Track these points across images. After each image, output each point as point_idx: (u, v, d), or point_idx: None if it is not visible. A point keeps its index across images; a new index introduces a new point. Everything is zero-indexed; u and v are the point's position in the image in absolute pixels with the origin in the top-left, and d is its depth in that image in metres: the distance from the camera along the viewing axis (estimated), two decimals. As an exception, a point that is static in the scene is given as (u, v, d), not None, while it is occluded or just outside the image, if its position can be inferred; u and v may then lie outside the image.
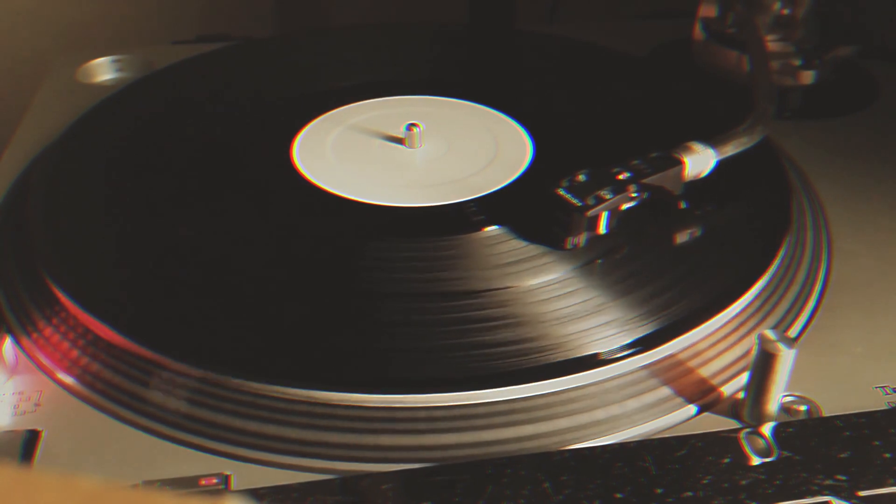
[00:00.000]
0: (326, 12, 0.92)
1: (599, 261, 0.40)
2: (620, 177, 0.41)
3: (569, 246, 0.40)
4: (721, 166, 0.44)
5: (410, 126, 0.49)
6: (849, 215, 0.48)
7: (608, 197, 0.40)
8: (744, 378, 0.36)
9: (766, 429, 0.33)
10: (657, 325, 0.37)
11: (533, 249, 0.40)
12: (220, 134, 0.51)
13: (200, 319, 0.38)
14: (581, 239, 0.40)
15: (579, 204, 0.40)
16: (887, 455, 0.32)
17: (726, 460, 0.32)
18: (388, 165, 0.48)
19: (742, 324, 0.39)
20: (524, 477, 0.31)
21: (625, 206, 0.41)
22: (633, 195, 0.41)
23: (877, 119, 0.58)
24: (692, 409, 0.36)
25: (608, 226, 0.41)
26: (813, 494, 0.31)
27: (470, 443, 0.34)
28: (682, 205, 0.43)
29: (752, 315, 0.40)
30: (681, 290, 0.39)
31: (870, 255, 0.45)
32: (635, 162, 0.42)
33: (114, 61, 0.66)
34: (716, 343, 0.38)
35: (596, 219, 0.40)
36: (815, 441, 0.33)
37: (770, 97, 0.50)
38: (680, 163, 0.43)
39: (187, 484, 0.32)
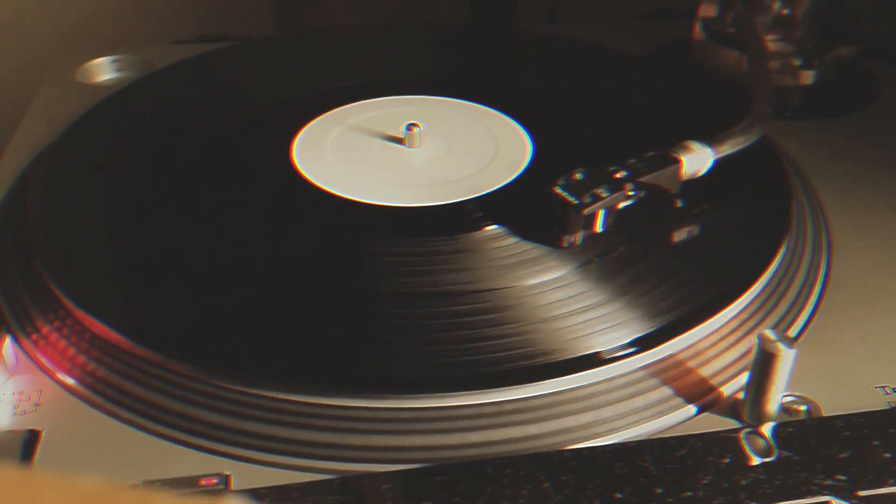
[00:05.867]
0: (326, 12, 0.92)
1: (597, 259, 0.40)
2: (617, 175, 0.41)
3: (565, 244, 0.40)
4: (722, 166, 0.44)
5: (410, 126, 0.49)
6: (849, 215, 0.48)
7: (605, 195, 0.40)
8: (744, 378, 0.36)
9: (766, 429, 0.33)
10: (657, 325, 0.37)
11: (532, 249, 0.40)
12: (220, 134, 0.51)
13: (200, 319, 0.38)
14: (578, 237, 0.40)
15: (576, 202, 0.40)
16: (887, 455, 0.32)
17: (726, 460, 0.32)
18: (388, 165, 0.48)
19: (742, 324, 0.39)
20: (524, 477, 0.31)
21: (622, 205, 0.41)
22: (630, 193, 0.41)
23: (877, 119, 0.58)
24: (692, 409, 0.36)
25: (605, 224, 0.41)
26: (813, 494, 0.31)
27: (470, 443, 0.34)
28: (679, 203, 0.43)
29: (752, 315, 0.40)
30: (681, 289, 0.39)
31: (870, 255, 0.45)
32: (632, 160, 0.42)
33: (114, 61, 0.66)
34: (716, 343, 0.38)
35: (592, 217, 0.40)
36: (815, 441, 0.33)
37: (768, 97, 0.50)
38: (677, 161, 0.43)
39: (187, 484, 0.32)
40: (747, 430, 0.33)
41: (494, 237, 0.41)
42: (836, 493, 0.31)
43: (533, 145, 0.50)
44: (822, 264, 0.44)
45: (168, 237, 0.43)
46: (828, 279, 0.43)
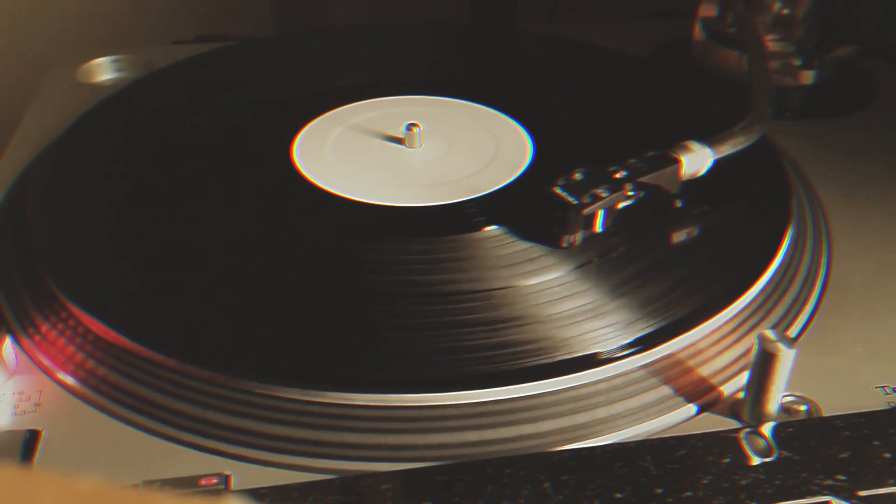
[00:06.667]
0: (326, 12, 0.92)
1: (595, 259, 0.40)
2: (617, 175, 0.41)
3: (565, 244, 0.40)
4: (722, 166, 0.44)
5: (410, 126, 0.49)
6: (849, 215, 0.48)
7: (604, 195, 0.40)
8: (744, 378, 0.36)
9: (766, 429, 0.33)
10: (657, 325, 0.37)
11: (532, 249, 0.40)
12: (220, 134, 0.51)
13: (200, 319, 0.38)
14: (577, 237, 0.40)
15: (575, 202, 0.40)
16: (887, 455, 0.32)
17: (726, 460, 0.32)
18: (388, 165, 0.48)
19: (742, 324, 0.39)
20: (524, 477, 0.31)
21: (621, 205, 0.41)
22: (630, 194, 0.41)
23: (877, 119, 0.58)
24: (692, 409, 0.36)
25: (604, 224, 0.41)
26: (813, 494, 0.31)
27: (470, 443, 0.34)
28: (678, 204, 0.43)
29: (752, 315, 0.40)
30: (681, 289, 0.39)
31: (870, 255, 0.45)
32: (632, 161, 0.42)
33: (114, 61, 0.66)
34: (716, 343, 0.38)
35: (592, 217, 0.40)
36: (815, 441, 0.33)
37: (768, 97, 0.50)
38: (676, 162, 0.43)
39: (187, 484, 0.32)
40: (747, 430, 0.33)
41: (494, 237, 0.41)
42: (836, 493, 0.31)
43: (533, 145, 0.50)
44: (822, 264, 0.44)
45: (168, 237, 0.43)
46: (828, 279, 0.43)
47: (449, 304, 0.38)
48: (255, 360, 0.36)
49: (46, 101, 0.60)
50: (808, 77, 0.60)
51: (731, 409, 0.36)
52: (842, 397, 0.36)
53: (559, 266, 0.40)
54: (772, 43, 0.60)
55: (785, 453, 0.32)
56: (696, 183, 0.44)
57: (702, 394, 0.36)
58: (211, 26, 0.75)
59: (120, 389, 0.36)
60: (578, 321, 0.37)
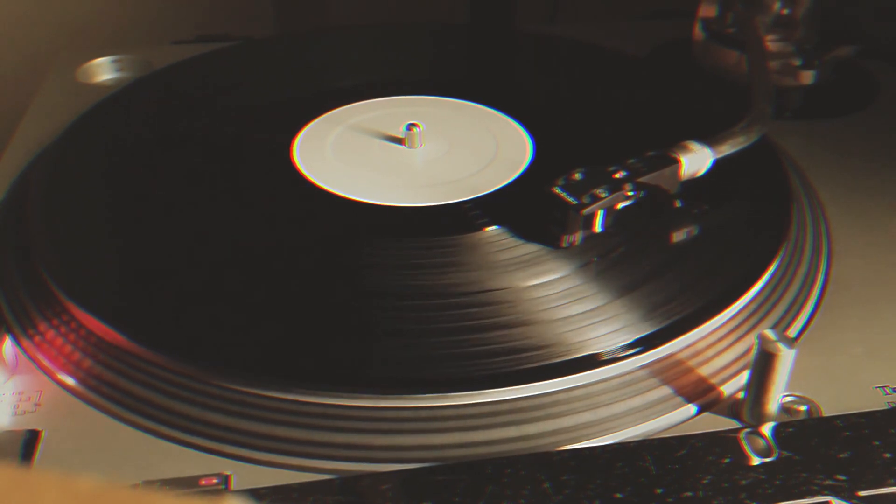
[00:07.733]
0: (326, 12, 0.92)
1: (595, 259, 0.40)
2: (616, 175, 0.41)
3: (564, 244, 0.40)
4: (722, 166, 0.44)
5: (410, 126, 0.49)
6: (849, 215, 0.48)
7: (604, 195, 0.40)
8: (744, 378, 0.36)
9: (766, 429, 0.33)
10: (657, 325, 0.37)
11: (532, 249, 0.40)
12: (220, 134, 0.51)
13: (200, 319, 0.38)
14: (577, 237, 0.40)
15: (574, 202, 0.40)
16: (887, 455, 0.32)
17: (726, 460, 0.32)
18: (388, 165, 0.48)
19: (742, 324, 0.39)
20: (524, 477, 0.31)
21: (621, 205, 0.41)
22: (630, 194, 0.41)
23: (877, 119, 0.58)
24: (692, 409, 0.36)
25: (604, 224, 0.41)
26: (813, 494, 0.31)
27: (470, 443, 0.34)
28: (678, 204, 0.43)
29: (752, 315, 0.40)
30: (681, 289, 0.39)
31: (870, 255, 0.45)
32: (632, 161, 0.42)
33: (114, 61, 0.66)
34: (716, 343, 0.38)
35: (591, 217, 0.40)
36: (815, 441, 0.33)
37: (768, 97, 0.50)
38: (676, 162, 0.43)
39: (187, 484, 0.32)
40: (747, 430, 0.33)
41: (494, 237, 0.41)
42: (836, 493, 0.31)
43: (533, 145, 0.50)
44: (822, 264, 0.44)
45: (168, 237, 0.43)
46: (828, 279, 0.43)
47: (448, 304, 0.38)
48: (256, 361, 0.36)
49: (46, 101, 0.60)
50: (808, 77, 0.60)
51: (731, 409, 0.36)
52: (842, 397, 0.36)
53: (559, 266, 0.40)
54: (772, 43, 0.60)
55: (785, 453, 0.32)
56: (695, 183, 0.44)
57: (702, 394, 0.36)
58: (211, 26, 0.75)
59: (120, 389, 0.36)
60: (578, 321, 0.37)
